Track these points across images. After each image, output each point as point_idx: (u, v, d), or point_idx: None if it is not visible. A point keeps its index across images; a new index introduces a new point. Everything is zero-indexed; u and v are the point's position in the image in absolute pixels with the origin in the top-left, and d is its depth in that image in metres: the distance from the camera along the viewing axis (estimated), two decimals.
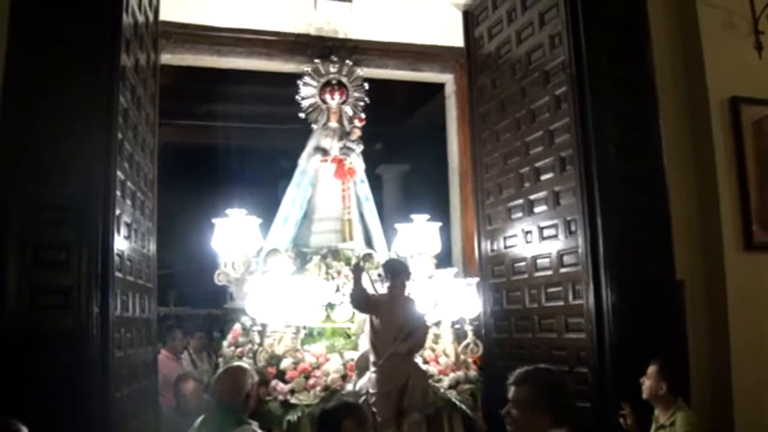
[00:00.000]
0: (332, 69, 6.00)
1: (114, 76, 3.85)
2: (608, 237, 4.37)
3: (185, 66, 5.89)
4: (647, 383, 4.05)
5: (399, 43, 6.27)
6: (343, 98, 6.02)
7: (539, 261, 5.09)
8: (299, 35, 5.98)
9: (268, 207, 5.97)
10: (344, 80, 6.00)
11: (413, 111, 8.79)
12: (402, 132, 9.55)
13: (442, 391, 4.78)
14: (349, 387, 4.53)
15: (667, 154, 4.74)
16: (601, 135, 4.45)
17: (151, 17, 4.87)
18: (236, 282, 5.23)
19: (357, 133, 5.98)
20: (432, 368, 4.90)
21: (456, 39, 6.23)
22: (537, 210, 5.11)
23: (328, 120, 6.01)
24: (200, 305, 11.88)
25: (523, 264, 5.27)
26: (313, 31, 5.98)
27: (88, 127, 3.70)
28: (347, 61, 6.01)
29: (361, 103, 6.09)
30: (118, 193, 3.86)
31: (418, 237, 5.66)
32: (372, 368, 4.23)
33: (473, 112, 6.02)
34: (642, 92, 4.64)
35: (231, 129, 8.46)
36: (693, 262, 5.02)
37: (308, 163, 5.93)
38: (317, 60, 5.96)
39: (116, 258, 3.80)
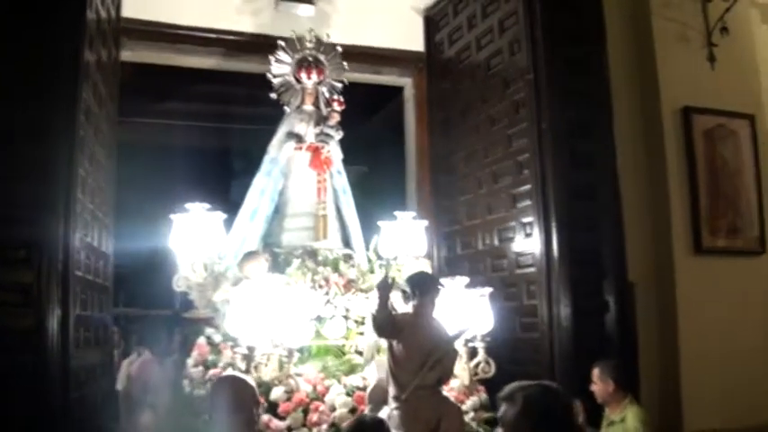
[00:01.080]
0: (308, 45, 5.56)
1: (78, 73, 3.90)
2: (562, 240, 4.59)
3: (146, 63, 5.89)
4: (595, 387, 4.27)
5: (360, 46, 6.14)
6: (321, 78, 5.54)
7: (496, 262, 5.29)
8: (259, 35, 5.95)
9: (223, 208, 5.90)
10: (322, 57, 5.54)
11: (372, 113, 8.94)
12: (360, 134, 9.69)
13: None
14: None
15: (620, 161, 5.00)
16: (556, 141, 4.69)
17: (113, 13, 4.93)
18: (197, 287, 4.60)
19: (335, 118, 5.42)
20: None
21: (416, 43, 6.39)
22: (494, 213, 5.31)
23: (303, 102, 5.51)
24: (152, 306, 11.79)
25: (481, 265, 5.46)
26: (274, 32, 5.85)
27: (51, 124, 3.76)
28: (326, 35, 5.65)
29: (340, 85, 5.66)
30: (79, 191, 3.92)
31: (402, 236, 5.12)
32: (393, 403, 3.71)
33: (432, 115, 6.21)
34: (597, 100, 4.90)
35: (190, 127, 8.48)
36: (645, 265, 5.27)
37: (279, 150, 5.39)
38: (292, 31, 5.55)
39: (76, 256, 3.85)
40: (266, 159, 5.40)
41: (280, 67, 5.52)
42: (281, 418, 3.99)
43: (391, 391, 3.74)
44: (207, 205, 4.55)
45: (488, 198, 5.40)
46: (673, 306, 5.21)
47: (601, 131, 4.87)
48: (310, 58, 5.50)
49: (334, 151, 5.45)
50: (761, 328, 5.39)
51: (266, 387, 4.03)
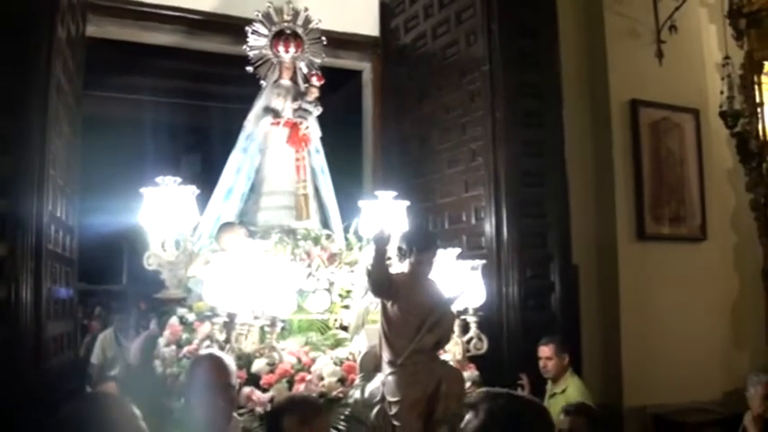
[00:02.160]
0: (286, 17, 5.44)
1: (51, 48, 4.09)
2: (512, 224, 4.96)
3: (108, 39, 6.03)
4: (550, 363, 4.65)
5: (319, 29, 5.95)
6: (298, 52, 5.43)
7: (447, 244, 5.63)
8: (219, 15, 6.12)
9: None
10: (300, 31, 5.43)
11: (329, 95, 9.17)
12: (318, 116, 9.93)
13: None
14: (355, 394, 3.83)
15: (569, 150, 5.39)
16: (509, 130, 5.04)
17: None
18: (168, 266, 4.39)
19: (314, 93, 5.35)
20: None
21: (374, 29, 6.64)
22: (447, 197, 5.65)
23: (280, 76, 5.40)
24: (97, 281, 11.89)
25: None
26: (235, 12, 6.02)
27: (25, 98, 3.95)
28: (304, 9, 5.53)
29: (318, 60, 5.58)
30: (50, 165, 4.13)
31: (383, 216, 4.84)
32: (388, 369, 3.57)
33: (388, 100, 6.48)
34: (549, 92, 5.30)
35: (150, 102, 8.62)
36: (590, 249, 5.70)
37: (255, 126, 5.28)
38: (268, 3, 5.44)
39: (47, 230, 4.06)
40: (242, 135, 5.32)
41: (256, 40, 5.43)
42: (264, 391, 3.84)
43: (385, 356, 3.60)
44: (178, 179, 4.36)
45: (441, 183, 5.73)
46: (615, 289, 5.64)
47: (551, 122, 5.26)
48: (288, 31, 5.39)
49: (312, 128, 5.36)
50: (699, 312, 5.86)
51: (247, 359, 3.92)
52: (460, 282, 4.14)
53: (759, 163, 6.73)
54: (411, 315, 3.55)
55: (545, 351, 4.67)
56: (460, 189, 5.48)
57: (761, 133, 6.78)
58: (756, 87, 6.86)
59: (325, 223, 5.32)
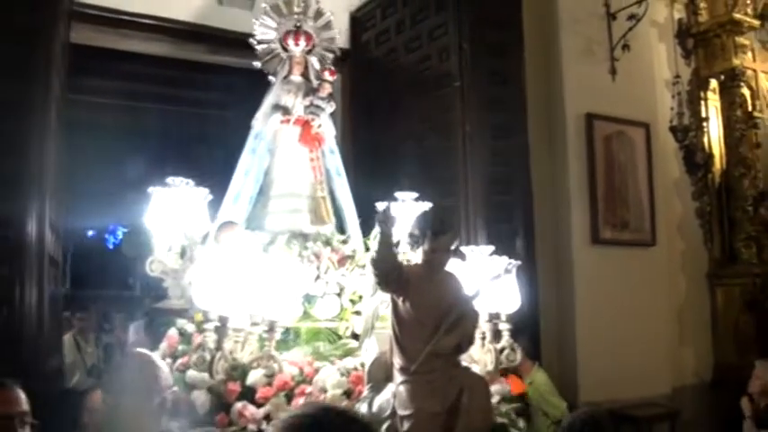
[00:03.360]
0: (296, 9, 5.26)
1: (51, 57, 4.44)
2: (482, 228, 5.44)
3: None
4: None
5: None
6: (309, 45, 5.24)
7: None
8: (198, 25, 6.36)
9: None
10: (311, 23, 5.26)
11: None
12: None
13: None
14: (362, 408, 3.36)
15: (532, 160, 5.88)
16: (479, 142, 5.56)
17: None
18: (173, 273, 4.22)
19: (327, 89, 5.14)
20: None
21: (345, 41, 6.82)
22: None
23: (290, 72, 5.21)
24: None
25: None
26: (215, 24, 6.33)
27: (28, 103, 4.28)
28: (316, 1, 5.36)
29: (331, 54, 5.43)
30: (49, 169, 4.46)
31: (405, 219, 4.29)
32: (400, 377, 3.19)
33: (356, 112, 6.81)
34: (514, 107, 5.79)
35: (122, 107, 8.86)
36: (548, 253, 6.18)
37: (264, 125, 5.06)
38: None
39: (46, 232, 4.37)
40: (251, 135, 5.10)
41: (265, 33, 5.27)
42: (260, 406, 3.60)
43: (397, 362, 3.22)
44: (189, 181, 4.26)
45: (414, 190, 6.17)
46: (571, 290, 6.14)
47: (516, 133, 5.76)
48: (298, 24, 5.19)
49: (325, 127, 5.16)
50: (649, 313, 6.37)
51: (242, 370, 3.66)
52: (491, 284, 3.77)
53: (704, 174, 7.42)
54: (426, 313, 3.18)
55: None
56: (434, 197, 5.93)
57: (706, 146, 7.46)
58: (702, 103, 7.55)
59: (341, 228, 5.12)
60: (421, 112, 6.09)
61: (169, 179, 4.30)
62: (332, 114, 5.36)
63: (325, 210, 4.98)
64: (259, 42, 5.27)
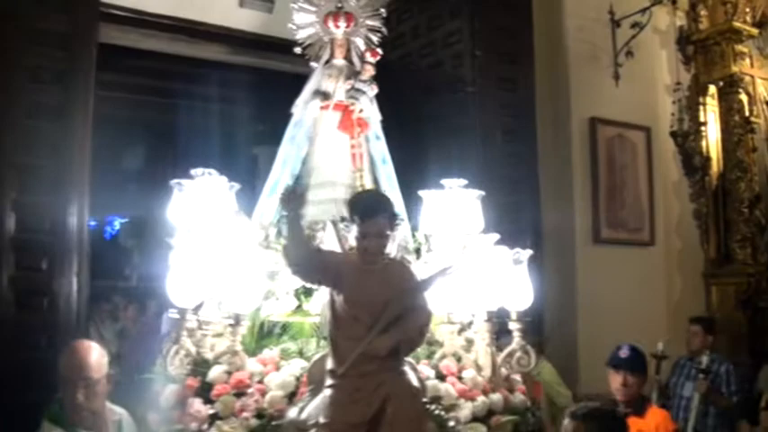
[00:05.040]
0: None
1: (91, 60, 4.84)
2: (493, 227, 5.80)
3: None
4: None
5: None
6: (351, 26, 4.96)
7: None
8: (221, 27, 6.63)
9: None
10: (352, 7, 4.95)
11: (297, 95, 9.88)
12: (284, 115, 10.61)
13: (453, 425, 3.21)
14: (291, 413, 3.04)
15: (541, 162, 6.28)
16: (492, 144, 5.95)
17: None
18: None
19: (369, 71, 4.93)
20: (445, 386, 3.39)
21: None
22: None
23: (332, 55, 4.97)
24: None
25: None
26: (236, 25, 6.63)
27: (71, 106, 4.68)
28: None
29: (377, 35, 5.06)
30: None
31: (451, 209, 4.11)
32: (329, 381, 2.85)
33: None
34: (524, 111, 6.18)
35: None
36: (551, 250, 6.47)
37: (304, 111, 4.84)
38: None
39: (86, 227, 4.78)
40: (291, 123, 4.90)
41: (304, 16, 5.01)
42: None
43: (329, 363, 2.87)
44: (213, 171, 4.02)
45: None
46: (573, 288, 6.53)
47: (526, 137, 6.16)
48: (339, 5, 4.94)
49: (369, 111, 4.88)
50: (647, 310, 6.73)
51: (205, 366, 3.41)
52: (494, 287, 3.61)
53: (702, 176, 7.78)
54: (362, 309, 2.81)
55: None
56: None
57: (704, 150, 7.84)
58: (701, 108, 7.91)
59: None
60: (433, 116, 6.43)
61: (194, 170, 4.01)
62: None
63: None
64: (298, 27, 4.98)
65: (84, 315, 4.79)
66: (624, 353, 4.61)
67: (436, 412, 3.16)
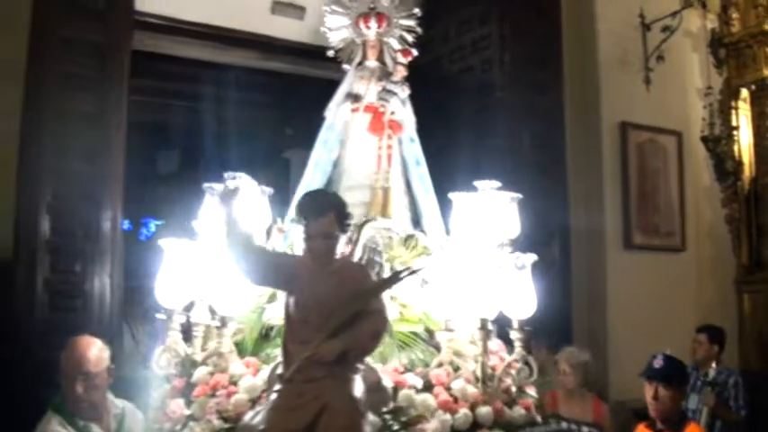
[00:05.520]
0: None
1: (123, 67, 4.92)
2: (522, 228, 5.80)
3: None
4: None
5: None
6: (383, 27, 4.88)
7: None
8: (253, 33, 6.77)
9: None
10: (386, 4, 4.88)
11: (326, 100, 9.94)
12: (313, 118, 10.67)
13: None
14: (246, 417, 2.90)
15: (570, 167, 6.24)
16: (520, 150, 5.92)
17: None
18: None
19: (401, 72, 4.86)
20: (424, 397, 3.25)
21: None
22: None
23: (365, 57, 4.93)
24: None
25: None
26: (268, 32, 6.74)
27: (106, 112, 4.76)
28: None
29: (412, 34, 4.99)
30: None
31: (485, 212, 3.94)
32: (276, 386, 2.79)
33: None
34: (553, 116, 6.17)
35: None
36: (580, 256, 6.49)
37: (336, 114, 4.81)
38: None
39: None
40: (323, 126, 4.89)
41: (336, 19, 4.99)
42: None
43: (279, 367, 2.83)
44: (244, 176, 3.82)
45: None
46: (603, 294, 6.46)
47: (554, 142, 6.14)
48: (372, 5, 4.87)
49: (402, 113, 4.79)
50: (678, 316, 6.63)
51: (191, 366, 3.47)
52: (493, 294, 3.45)
53: (734, 181, 7.68)
54: (309, 312, 2.73)
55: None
56: None
57: (736, 154, 7.74)
58: (733, 112, 7.82)
59: (418, 222, 4.68)
60: (462, 121, 6.43)
61: (227, 174, 3.86)
62: None
63: (385, 202, 4.56)
64: (330, 30, 5.02)
65: (117, 316, 4.90)
66: (658, 362, 4.16)
67: (390, 423, 3.05)
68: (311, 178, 4.71)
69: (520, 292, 3.55)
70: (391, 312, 3.49)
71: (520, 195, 4.15)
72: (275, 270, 2.86)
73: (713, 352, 5.77)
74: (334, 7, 4.93)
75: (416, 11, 4.99)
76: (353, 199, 4.36)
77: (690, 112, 7.36)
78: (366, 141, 4.72)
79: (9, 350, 4.27)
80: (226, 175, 3.80)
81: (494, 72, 6.13)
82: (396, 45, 4.94)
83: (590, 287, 6.55)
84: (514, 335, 3.53)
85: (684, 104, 7.34)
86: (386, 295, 2.94)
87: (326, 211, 2.81)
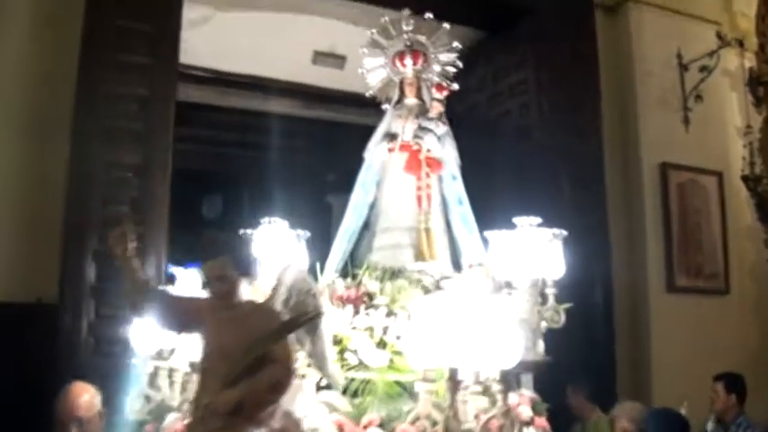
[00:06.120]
0: (405, 27, 4.69)
1: (169, 117, 5.01)
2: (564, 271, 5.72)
3: None
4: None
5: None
6: (420, 63, 4.72)
7: None
8: (294, 83, 7.01)
9: None
10: (422, 39, 4.67)
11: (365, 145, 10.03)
12: (355, 163, 10.73)
13: None
14: None
15: (610, 209, 6.19)
16: (559, 193, 5.90)
17: None
18: None
19: (437, 108, 4.70)
20: None
21: None
22: None
23: (403, 95, 4.77)
24: None
25: None
26: (309, 81, 6.97)
27: (151, 169, 4.88)
28: (427, 15, 4.74)
29: (453, 69, 4.80)
30: None
31: (525, 250, 3.61)
32: None
33: None
34: (591, 158, 6.14)
35: None
36: (623, 299, 6.36)
37: (373, 154, 4.71)
38: (385, 19, 4.79)
39: None
40: (363, 168, 4.79)
41: (373, 60, 4.88)
42: None
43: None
44: (282, 221, 4.00)
45: None
46: (647, 338, 6.33)
47: (594, 184, 6.09)
48: (408, 43, 4.70)
49: (439, 150, 4.60)
50: (722, 360, 6.31)
51: (164, 411, 3.44)
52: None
53: None
54: (215, 358, 2.62)
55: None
56: None
57: None
58: None
59: (457, 263, 4.43)
60: (501, 165, 6.41)
61: (265, 219, 4.08)
62: None
63: (429, 244, 4.37)
64: (368, 71, 4.90)
65: None
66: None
67: None
68: (349, 222, 4.61)
69: (552, 260, 3.49)
70: (380, 360, 3.44)
71: (564, 232, 3.80)
72: (182, 313, 2.79)
73: (731, 402, 5.31)
74: (370, 48, 4.81)
75: (455, 44, 4.81)
76: (386, 242, 4.43)
77: (730, 151, 7.25)
78: (403, 181, 4.57)
79: (51, 393, 4.29)
80: (262, 220, 3.96)
81: (531, 116, 6.12)
82: (436, 80, 4.81)
83: (633, 332, 6.42)
84: (549, 290, 3.42)
85: (724, 144, 7.24)
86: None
87: (215, 254, 2.73)
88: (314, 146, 8.68)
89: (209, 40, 6.24)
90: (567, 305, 3.60)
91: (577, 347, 5.46)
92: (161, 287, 2.92)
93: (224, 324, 2.64)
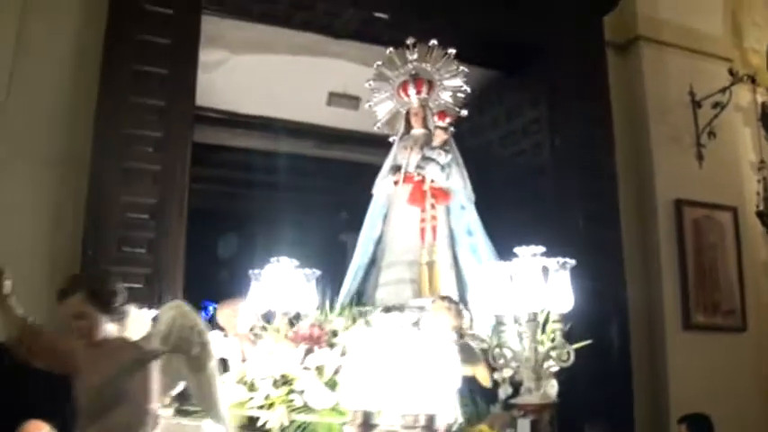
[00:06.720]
0: (410, 57, 4.63)
1: (186, 158, 5.01)
2: (578, 309, 5.64)
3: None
4: None
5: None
6: (424, 92, 4.60)
7: None
8: (309, 124, 7.01)
9: None
10: (427, 67, 4.58)
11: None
12: (366, 202, 10.73)
13: None
14: None
15: (625, 246, 6.11)
16: (574, 231, 5.83)
17: None
18: None
19: (440, 137, 4.51)
20: None
21: None
22: None
23: (409, 126, 4.67)
24: None
25: None
26: (323, 122, 6.97)
27: (167, 210, 4.87)
28: (432, 42, 4.65)
29: (461, 95, 4.69)
30: None
31: (523, 282, 3.36)
32: None
33: None
34: (606, 196, 6.09)
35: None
36: (640, 338, 6.27)
37: (379, 189, 4.62)
38: (390, 50, 4.72)
39: None
40: (371, 204, 4.70)
41: (379, 94, 4.82)
42: None
43: None
44: (291, 260, 3.92)
45: None
46: (664, 376, 6.22)
47: (609, 221, 6.03)
48: (413, 72, 4.60)
49: (445, 180, 4.44)
50: (740, 399, 6.35)
51: None
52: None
53: None
54: (81, 397, 2.58)
55: None
56: None
57: None
58: None
59: (464, 299, 4.23)
60: (514, 202, 6.35)
61: (274, 258, 4.03)
62: None
63: (431, 278, 4.20)
64: (375, 105, 4.83)
65: None
66: None
67: None
68: (355, 258, 4.50)
69: (560, 291, 3.28)
70: (326, 402, 3.28)
71: (572, 261, 3.54)
72: (51, 350, 2.70)
73: None
74: (376, 80, 4.72)
75: (462, 69, 4.69)
76: (390, 277, 4.29)
77: (744, 186, 7.19)
78: (407, 214, 4.43)
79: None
80: (272, 259, 3.94)
81: (544, 155, 6.09)
82: (438, 109, 4.67)
83: (650, 370, 6.31)
84: (555, 325, 3.22)
85: (738, 179, 7.18)
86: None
87: (71, 292, 2.66)
88: (328, 185, 8.70)
89: (224, 83, 6.29)
90: (585, 343, 3.54)
91: (594, 385, 5.38)
92: (39, 325, 2.72)
93: (91, 362, 2.59)
